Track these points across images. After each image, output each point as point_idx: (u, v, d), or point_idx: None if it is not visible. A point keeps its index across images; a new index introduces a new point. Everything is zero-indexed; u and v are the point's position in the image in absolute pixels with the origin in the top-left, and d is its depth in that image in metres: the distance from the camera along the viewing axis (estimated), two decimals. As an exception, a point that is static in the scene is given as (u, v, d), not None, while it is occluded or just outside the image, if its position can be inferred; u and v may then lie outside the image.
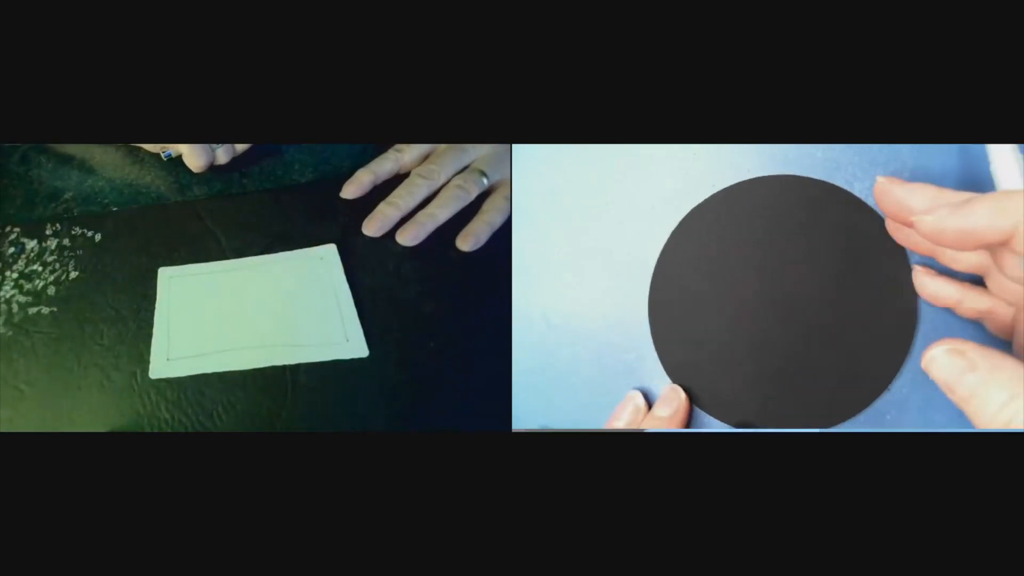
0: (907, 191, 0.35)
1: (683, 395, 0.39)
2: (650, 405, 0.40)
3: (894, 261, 0.38)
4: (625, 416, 0.40)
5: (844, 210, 0.39)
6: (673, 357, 0.40)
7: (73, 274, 0.48)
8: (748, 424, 0.39)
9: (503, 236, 0.51)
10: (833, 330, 0.38)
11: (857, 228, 0.38)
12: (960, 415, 0.37)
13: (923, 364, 0.32)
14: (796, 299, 0.39)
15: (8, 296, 0.47)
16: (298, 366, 0.43)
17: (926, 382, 0.38)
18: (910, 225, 0.34)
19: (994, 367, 0.30)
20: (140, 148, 0.58)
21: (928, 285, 0.37)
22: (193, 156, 0.54)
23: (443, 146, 0.56)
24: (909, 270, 0.38)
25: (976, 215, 0.31)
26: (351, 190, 0.54)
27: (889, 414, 0.38)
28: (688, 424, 0.40)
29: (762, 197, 0.39)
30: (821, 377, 0.38)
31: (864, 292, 0.38)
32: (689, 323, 0.40)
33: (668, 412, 0.39)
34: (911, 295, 0.38)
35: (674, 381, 0.40)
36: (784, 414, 0.39)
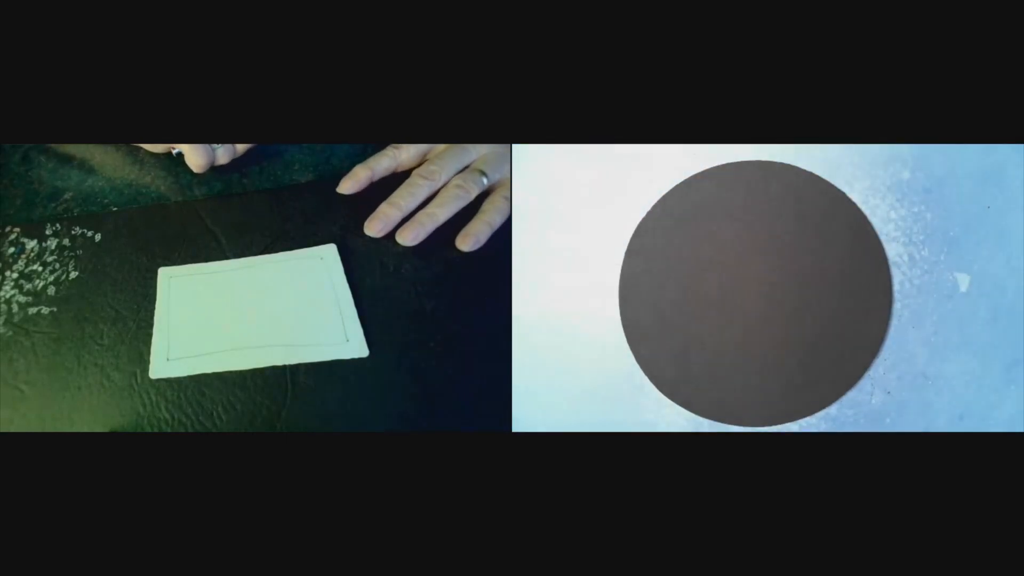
0: None
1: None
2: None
3: (868, 243, 0.38)
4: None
5: (813, 193, 0.39)
6: (649, 352, 0.40)
7: (73, 274, 0.48)
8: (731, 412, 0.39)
9: (503, 236, 0.51)
10: (808, 316, 0.38)
11: (825, 209, 0.39)
12: (960, 419, 0.38)
13: None
14: (771, 285, 0.39)
15: (8, 296, 0.47)
16: (298, 366, 0.43)
17: (925, 384, 0.38)
18: None
19: None
20: (140, 148, 0.58)
21: None
22: (194, 155, 0.54)
23: (443, 146, 0.56)
24: (882, 251, 0.38)
25: None
26: (348, 185, 0.54)
27: (889, 416, 0.39)
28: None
29: (726, 186, 0.40)
30: (797, 363, 0.39)
31: (836, 276, 0.38)
32: (661, 313, 0.40)
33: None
34: (886, 278, 0.38)
35: (664, 390, 0.40)
36: (763, 401, 0.39)
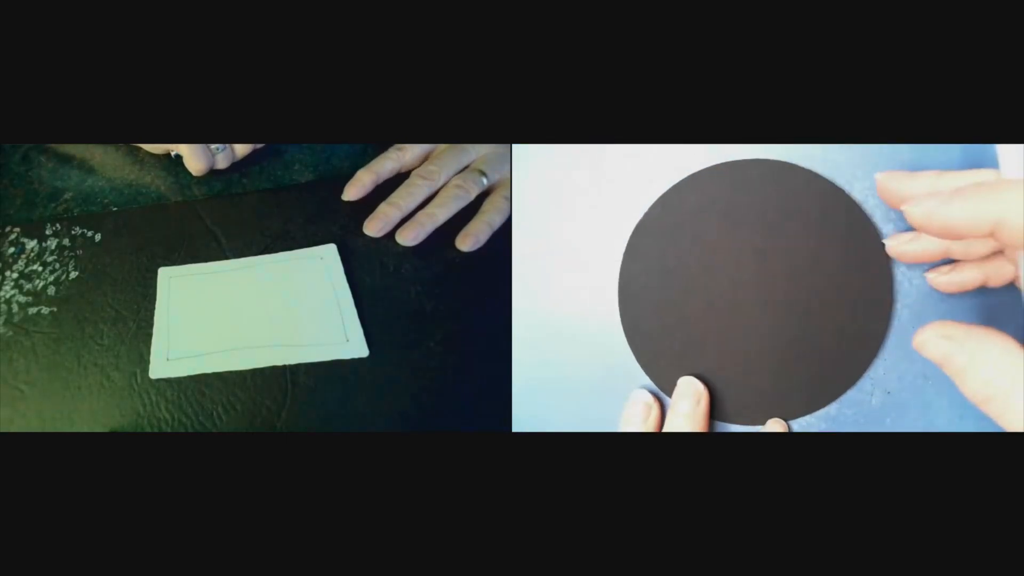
0: (905, 180, 0.36)
1: (700, 385, 0.39)
2: (661, 402, 0.40)
3: (868, 242, 0.38)
4: (637, 417, 0.39)
5: (813, 192, 0.39)
6: (647, 351, 0.40)
7: (73, 274, 0.48)
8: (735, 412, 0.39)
9: (503, 236, 0.51)
10: (808, 315, 0.39)
11: (825, 209, 0.39)
12: (960, 419, 0.38)
13: (915, 345, 0.33)
14: (770, 285, 0.39)
15: (8, 296, 0.47)
16: (298, 366, 0.43)
17: (925, 386, 0.38)
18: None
19: (980, 347, 0.32)
20: (140, 148, 0.58)
21: (907, 252, 0.37)
22: (193, 159, 0.54)
23: (443, 146, 0.56)
24: (882, 251, 0.38)
25: (956, 211, 0.31)
26: (353, 191, 0.54)
27: (889, 417, 0.39)
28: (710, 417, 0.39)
29: (724, 185, 0.40)
30: (797, 363, 0.39)
31: (837, 276, 0.38)
32: (661, 313, 0.40)
33: (692, 403, 0.38)
34: (886, 278, 0.38)
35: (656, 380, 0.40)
36: (763, 401, 0.39)
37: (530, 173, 0.42)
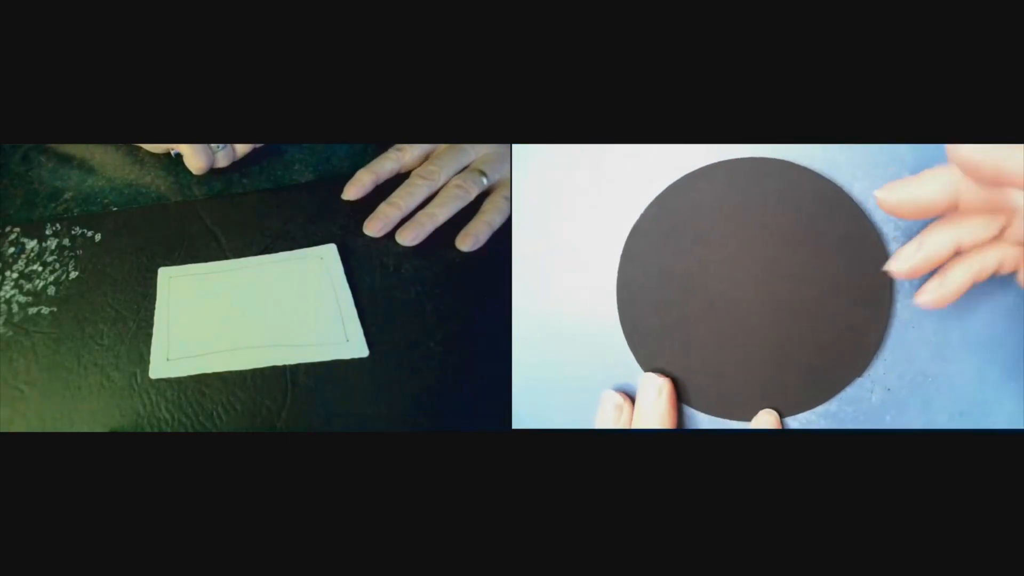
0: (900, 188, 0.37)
1: (660, 379, 0.39)
2: (632, 400, 0.40)
3: (868, 241, 0.38)
4: (608, 417, 0.40)
5: (812, 191, 0.39)
6: (647, 350, 0.40)
7: (73, 274, 0.48)
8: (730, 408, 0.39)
9: (503, 236, 0.51)
10: (807, 313, 0.39)
11: (825, 208, 0.39)
12: (960, 416, 0.38)
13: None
14: (769, 283, 0.39)
15: (8, 296, 0.47)
16: (298, 366, 0.43)
17: (925, 383, 0.38)
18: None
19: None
20: (140, 148, 0.58)
21: (904, 270, 0.37)
22: (194, 157, 0.54)
23: (443, 146, 0.56)
24: (883, 250, 0.38)
25: (919, 188, 0.34)
26: (353, 191, 0.54)
27: (889, 414, 0.39)
28: (679, 406, 0.40)
29: (721, 184, 0.40)
30: (797, 360, 0.39)
31: (836, 274, 0.38)
32: (660, 312, 0.40)
33: (654, 395, 0.39)
34: (886, 277, 0.38)
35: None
36: (763, 397, 0.39)
37: (530, 173, 0.42)
